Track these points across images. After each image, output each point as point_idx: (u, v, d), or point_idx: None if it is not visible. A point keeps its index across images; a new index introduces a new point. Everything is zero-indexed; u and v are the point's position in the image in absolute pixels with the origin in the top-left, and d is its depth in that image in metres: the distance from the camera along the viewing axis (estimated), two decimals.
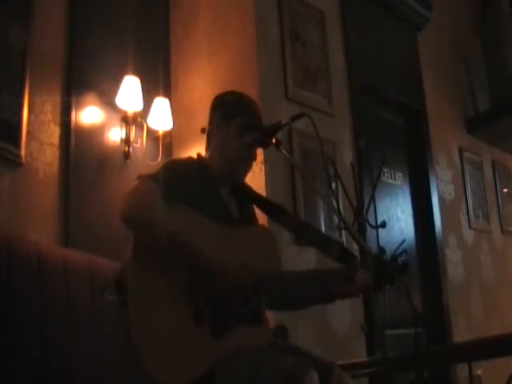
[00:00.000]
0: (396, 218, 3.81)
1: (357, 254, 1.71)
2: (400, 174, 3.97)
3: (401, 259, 1.58)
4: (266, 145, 1.75)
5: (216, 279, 1.50)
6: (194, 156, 1.84)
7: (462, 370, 3.57)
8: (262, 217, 1.92)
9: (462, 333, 3.86)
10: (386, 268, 1.52)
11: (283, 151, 1.71)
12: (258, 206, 1.87)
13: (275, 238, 1.83)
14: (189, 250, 1.49)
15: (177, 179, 1.59)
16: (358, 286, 1.64)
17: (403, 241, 1.66)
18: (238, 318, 1.55)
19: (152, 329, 1.42)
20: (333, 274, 1.72)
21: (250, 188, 1.89)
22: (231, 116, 1.77)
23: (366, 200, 2.64)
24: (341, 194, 2.94)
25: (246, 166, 1.80)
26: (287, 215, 1.85)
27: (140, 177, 1.59)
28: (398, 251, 1.58)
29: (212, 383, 1.45)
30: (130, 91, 2.91)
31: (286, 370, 1.42)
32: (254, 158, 1.79)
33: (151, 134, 3.15)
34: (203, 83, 3.21)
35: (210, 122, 1.83)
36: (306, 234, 1.84)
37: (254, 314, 1.61)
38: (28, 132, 2.54)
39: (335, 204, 2.92)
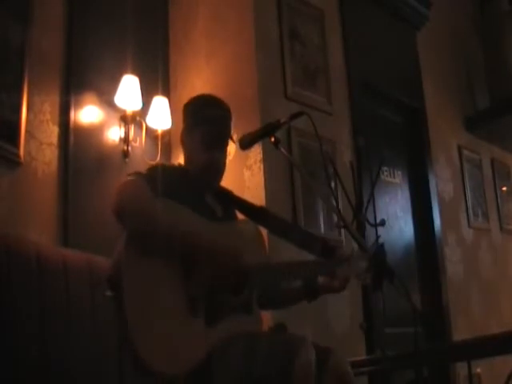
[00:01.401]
0: (395, 217, 3.81)
1: (356, 253, 1.72)
2: (399, 172, 3.97)
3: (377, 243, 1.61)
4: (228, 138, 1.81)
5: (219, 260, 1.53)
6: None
7: (461, 369, 3.58)
8: None
9: (461, 331, 3.86)
10: (383, 263, 1.53)
11: (282, 150, 1.72)
12: (240, 210, 1.91)
13: (259, 229, 1.87)
14: (190, 238, 1.52)
15: (163, 181, 1.63)
16: (340, 280, 1.67)
17: (378, 236, 1.68)
18: (231, 307, 1.58)
19: (147, 319, 1.43)
20: (317, 265, 1.75)
21: (231, 192, 1.93)
22: (193, 125, 1.81)
23: (365, 198, 2.64)
24: (340, 192, 2.94)
25: (216, 174, 1.83)
26: (270, 217, 1.87)
27: (130, 174, 1.64)
28: (376, 246, 1.61)
29: (209, 369, 1.46)
30: (128, 90, 2.91)
31: (283, 342, 1.44)
32: (220, 165, 1.81)
33: (150, 133, 3.15)
34: (202, 82, 3.21)
35: (181, 133, 1.87)
36: (289, 233, 1.86)
37: (245, 304, 1.64)
38: (27, 131, 2.54)
39: (334, 203, 2.92)
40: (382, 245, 1.59)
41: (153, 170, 1.71)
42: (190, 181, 1.78)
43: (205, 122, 1.79)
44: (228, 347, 1.48)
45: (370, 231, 2.83)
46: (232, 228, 1.78)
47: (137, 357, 1.38)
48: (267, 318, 1.74)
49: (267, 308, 2.01)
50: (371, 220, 2.70)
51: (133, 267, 1.46)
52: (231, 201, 1.91)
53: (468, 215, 4.44)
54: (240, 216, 1.93)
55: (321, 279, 1.72)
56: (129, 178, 1.62)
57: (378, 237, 1.65)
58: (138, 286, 1.44)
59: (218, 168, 1.82)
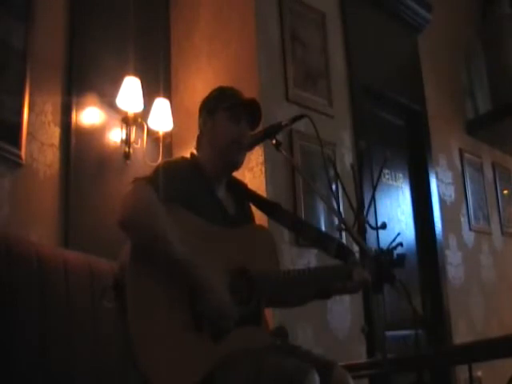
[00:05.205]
0: (396, 220, 3.80)
1: (357, 255, 1.71)
2: (400, 175, 3.97)
3: (396, 252, 1.58)
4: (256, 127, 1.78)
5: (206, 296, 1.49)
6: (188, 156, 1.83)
7: (462, 372, 3.57)
8: (261, 216, 1.91)
9: (462, 334, 3.86)
10: (384, 266, 1.52)
11: (283, 152, 1.71)
12: (255, 204, 1.88)
13: (272, 236, 1.83)
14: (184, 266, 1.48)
15: (172, 180, 1.58)
16: (356, 283, 1.64)
17: (398, 234, 1.66)
18: (238, 321, 1.55)
19: (151, 333, 1.41)
20: (330, 272, 1.71)
21: (246, 186, 1.90)
22: (214, 107, 1.80)
23: (367, 201, 2.64)
24: (341, 195, 2.94)
25: (241, 151, 1.77)
26: (284, 213, 1.85)
27: (135, 180, 1.58)
28: (393, 244, 1.59)
29: None
30: (130, 92, 2.92)
31: (286, 371, 1.42)
32: (244, 141, 1.76)
33: (151, 134, 3.15)
34: (204, 84, 3.21)
35: (199, 126, 1.85)
36: (303, 231, 1.84)
37: (253, 315, 1.61)
38: (28, 132, 2.54)
39: (335, 205, 2.92)
40: (403, 257, 1.57)
41: (159, 171, 1.62)
42: (202, 174, 1.73)
43: (227, 97, 1.79)
44: (231, 368, 1.45)
45: (371, 234, 2.82)
46: (241, 234, 1.72)
47: (139, 370, 1.37)
48: (268, 319, 1.72)
49: (277, 307, 1.99)
50: (372, 223, 2.70)
51: (138, 279, 1.44)
52: (245, 194, 1.87)
53: (469, 218, 4.44)
54: (254, 209, 1.90)
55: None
56: (133, 184, 1.56)
57: (398, 244, 1.60)
58: (142, 299, 1.43)
59: (243, 143, 1.76)
